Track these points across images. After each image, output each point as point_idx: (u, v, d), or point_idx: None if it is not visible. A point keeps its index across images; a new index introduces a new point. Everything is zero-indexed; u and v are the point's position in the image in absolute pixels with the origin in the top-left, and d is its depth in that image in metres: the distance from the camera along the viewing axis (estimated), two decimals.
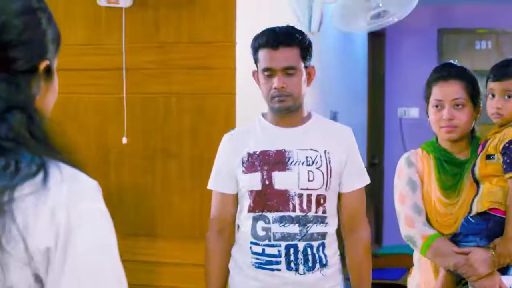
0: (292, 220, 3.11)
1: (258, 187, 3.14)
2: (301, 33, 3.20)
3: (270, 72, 3.14)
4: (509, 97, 3.12)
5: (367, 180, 3.31)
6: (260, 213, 3.15)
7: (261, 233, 3.15)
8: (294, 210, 3.11)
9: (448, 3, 8.63)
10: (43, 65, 1.42)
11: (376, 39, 8.51)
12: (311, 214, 3.13)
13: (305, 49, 3.17)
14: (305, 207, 3.12)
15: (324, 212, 3.16)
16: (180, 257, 4.30)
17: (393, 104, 8.59)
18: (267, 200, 3.13)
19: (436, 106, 3.21)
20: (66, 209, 1.30)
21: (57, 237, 1.29)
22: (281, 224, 3.11)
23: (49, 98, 1.47)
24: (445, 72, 3.24)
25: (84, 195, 1.35)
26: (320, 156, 3.16)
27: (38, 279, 1.30)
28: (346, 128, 3.34)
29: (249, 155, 3.19)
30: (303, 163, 3.14)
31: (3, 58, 1.37)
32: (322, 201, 3.15)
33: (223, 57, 4.17)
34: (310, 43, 3.21)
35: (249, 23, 4.28)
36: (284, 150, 3.16)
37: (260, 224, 3.15)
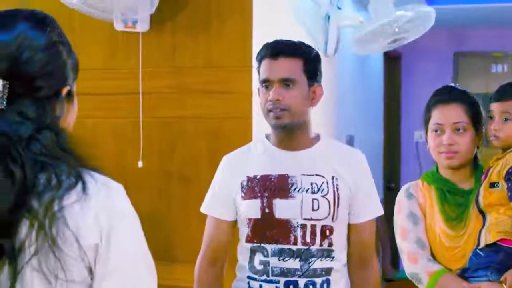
0: (292, 254, 2.80)
1: (257, 215, 2.84)
2: (307, 46, 2.94)
3: (267, 83, 2.85)
4: (506, 120, 2.96)
5: (380, 211, 3.00)
6: (258, 244, 2.85)
7: (259, 267, 2.85)
8: (295, 243, 2.80)
9: (464, 26, 8.63)
10: (64, 90, 1.66)
11: (392, 62, 8.51)
12: (314, 247, 2.81)
13: (310, 63, 2.88)
14: (308, 239, 2.81)
15: (330, 245, 2.84)
16: None
17: (410, 127, 8.57)
18: (266, 230, 2.83)
19: (436, 131, 3.03)
20: (106, 211, 1.58)
21: (102, 234, 1.56)
22: (280, 258, 2.81)
23: (70, 117, 1.71)
24: (445, 95, 3.07)
25: (117, 198, 1.64)
26: (327, 183, 2.84)
27: (90, 271, 1.56)
28: (357, 152, 3.04)
29: (249, 179, 2.89)
30: (307, 190, 2.82)
31: (30, 87, 1.60)
32: (328, 233, 2.83)
33: (240, 81, 4.18)
34: (318, 58, 2.94)
35: None
36: (287, 175, 2.85)
37: (258, 256, 2.85)
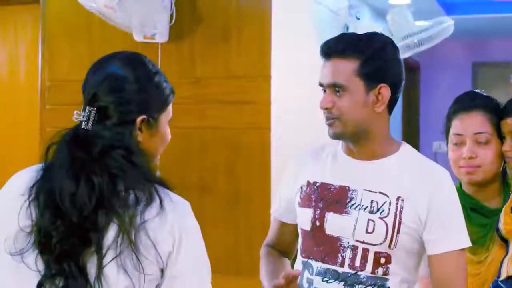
0: (337, 277, 2.42)
1: (307, 227, 2.49)
2: (371, 41, 2.44)
3: (322, 87, 2.46)
4: None
5: (464, 242, 2.41)
6: (306, 260, 2.50)
7: (305, 285, 2.49)
8: (342, 265, 2.41)
9: (483, 36, 8.61)
10: (139, 119, 1.98)
11: (411, 73, 8.50)
12: (364, 273, 2.39)
13: (370, 63, 2.40)
14: (357, 263, 2.40)
15: (385, 274, 2.39)
16: None
17: (428, 138, 8.55)
18: (314, 245, 2.47)
19: (455, 143, 2.69)
20: (178, 225, 1.93)
21: (174, 244, 1.91)
22: (324, 279, 2.43)
23: (154, 141, 2.07)
24: (467, 102, 2.71)
25: (186, 213, 1.99)
26: (389, 204, 2.40)
27: (162, 271, 1.91)
28: (439, 169, 2.47)
29: (308, 184, 2.53)
30: (365, 208, 2.41)
31: (108, 113, 1.96)
32: (383, 261, 2.40)
33: (258, 92, 4.18)
34: (383, 54, 2.44)
35: (284, 58, 4.30)
36: (348, 188, 2.45)
37: (306, 274, 2.49)
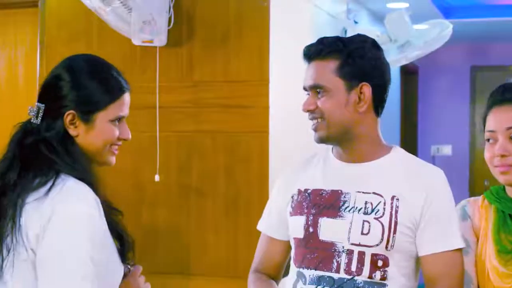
0: (332, 283, 2.33)
1: (300, 234, 2.42)
2: (350, 41, 2.42)
3: (306, 92, 2.44)
4: None
5: (458, 243, 2.35)
6: (299, 269, 2.42)
7: None
8: (337, 271, 2.33)
9: (481, 40, 8.62)
10: (66, 115, 2.10)
11: (409, 76, 8.51)
12: (361, 278, 2.31)
13: (350, 62, 2.37)
14: (353, 268, 2.32)
15: (383, 278, 2.32)
16: None
17: (426, 141, 8.55)
18: (307, 252, 2.39)
19: (488, 140, 2.38)
20: (51, 211, 1.97)
21: (41, 228, 1.97)
22: (318, 287, 2.35)
23: (91, 137, 2.14)
24: (499, 95, 2.39)
25: (70, 202, 1.99)
26: (384, 203, 2.33)
27: (33, 251, 1.97)
28: (434, 170, 2.44)
29: (300, 193, 2.48)
30: (359, 210, 2.35)
31: (45, 110, 2.12)
32: (380, 264, 2.32)
33: (257, 96, 4.19)
34: (363, 52, 2.39)
35: (282, 62, 4.30)
36: (341, 191, 2.39)
37: (300, 284, 2.41)
